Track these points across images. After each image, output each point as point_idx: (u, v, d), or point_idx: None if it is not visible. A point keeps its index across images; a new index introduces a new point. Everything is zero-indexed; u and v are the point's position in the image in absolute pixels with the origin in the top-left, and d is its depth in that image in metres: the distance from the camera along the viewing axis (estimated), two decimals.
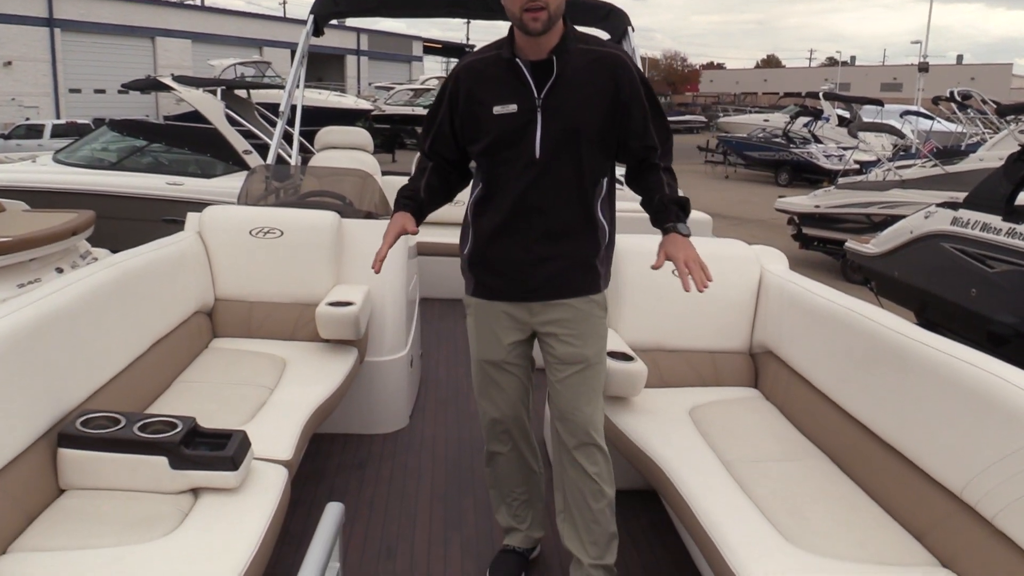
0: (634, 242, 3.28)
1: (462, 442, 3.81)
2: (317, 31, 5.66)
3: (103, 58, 31.70)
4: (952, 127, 17.37)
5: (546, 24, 2.16)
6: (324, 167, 4.87)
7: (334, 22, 6.68)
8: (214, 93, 8.17)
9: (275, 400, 2.85)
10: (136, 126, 8.48)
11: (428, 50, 48.55)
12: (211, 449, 2.20)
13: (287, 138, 6.11)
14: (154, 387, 2.81)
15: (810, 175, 19.50)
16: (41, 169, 7.58)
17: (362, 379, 3.78)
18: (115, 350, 2.62)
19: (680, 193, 2.35)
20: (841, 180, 11.27)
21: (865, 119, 17.88)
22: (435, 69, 51.43)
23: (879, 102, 19.50)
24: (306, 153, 7.42)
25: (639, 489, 3.31)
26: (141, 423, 2.22)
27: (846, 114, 22.00)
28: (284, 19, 42.74)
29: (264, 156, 7.28)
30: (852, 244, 7.77)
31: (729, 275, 3.26)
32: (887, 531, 2.18)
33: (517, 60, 2.27)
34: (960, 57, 68.45)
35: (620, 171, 2.44)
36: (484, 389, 2.55)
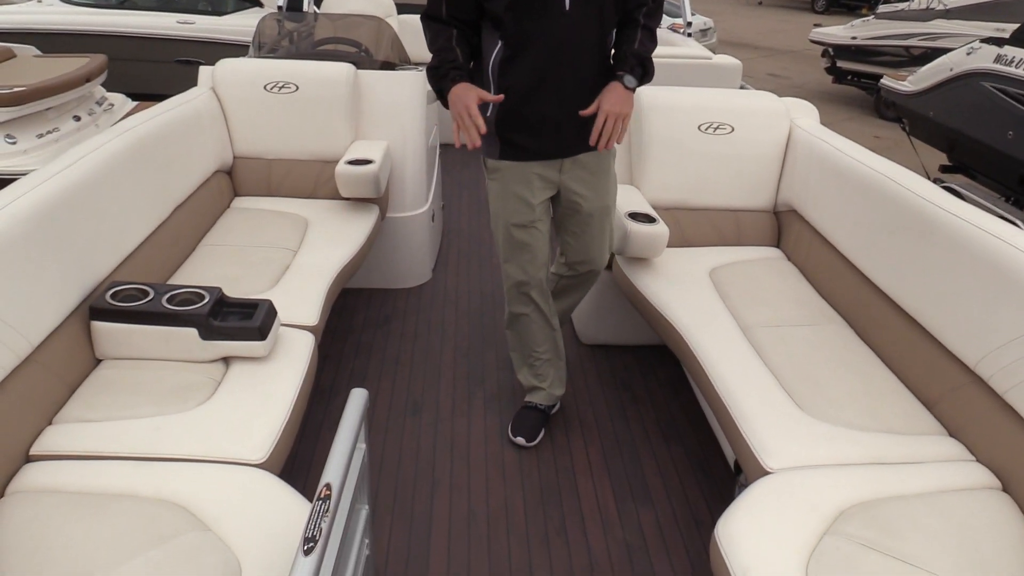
0: (660, 96, 3.17)
1: (484, 295, 3.87)
2: None
3: None
4: None
5: None
6: (337, 14, 4.67)
7: None
8: None
9: (298, 263, 2.89)
10: None
11: None
12: (239, 319, 2.26)
13: None
14: (180, 252, 2.85)
15: (849, 1, 18.48)
16: (47, 10, 7.33)
17: (384, 235, 3.80)
18: (139, 217, 2.63)
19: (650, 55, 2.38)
20: (882, 8, 10.68)
21: None
22: None
23: None
24: None
25: (656, 344, 3.39)
26: (169, 294, 2.26)
27: None
28: None
29: None
30: (888, 81, 7.45)
31: (757, 130, 3.17)
32: (899, 399, 2.23)
33: None
34: None
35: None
36: (512, 253, 2.56)
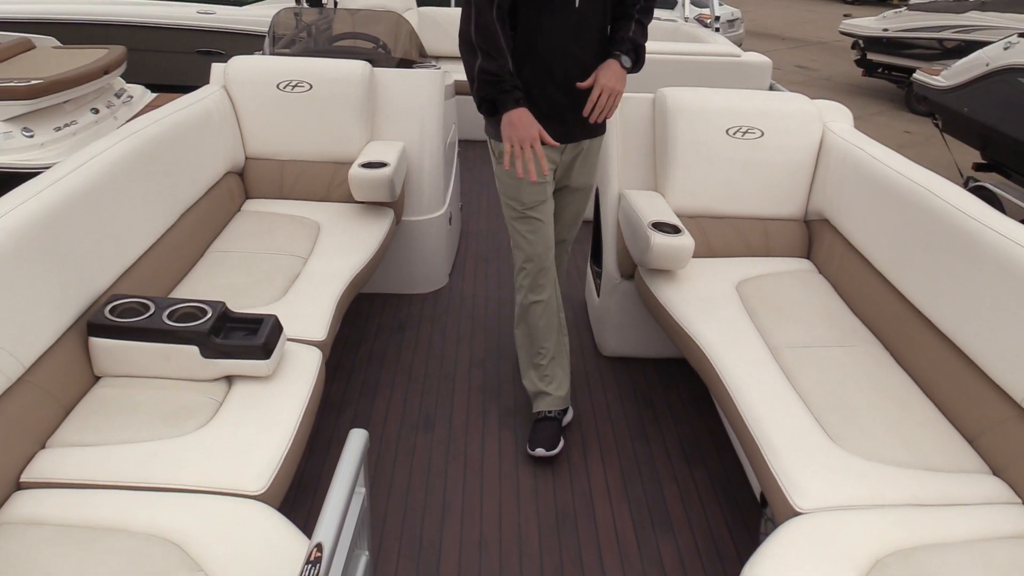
0: (686, 98, 3.03)
1: (501, 302, 3.76)
2: None
3: None
4: None
5: None
6: (355, 8, 4.56)
7: None
8: None
9: (308, 271, 2.79)
10: None
11: None
12: (243, 336, 2.16)
13: None
14: (187, 258, 2.76)
15: None
16: None
17: (400, 239, 3.69)
18: (145, 223, 2.54)
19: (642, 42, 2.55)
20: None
21: None
22: None
23: None
24: None
25: (680, 357, 3.26)
26: (170, 309, 2.17)
27: None
28: None
29: None
30: (921, 76, 7.23)
31: (788, 134, 3.02)
32: (937, 431, 2.09)
33: None
34: None
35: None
36: (520, 230, 2.62)
